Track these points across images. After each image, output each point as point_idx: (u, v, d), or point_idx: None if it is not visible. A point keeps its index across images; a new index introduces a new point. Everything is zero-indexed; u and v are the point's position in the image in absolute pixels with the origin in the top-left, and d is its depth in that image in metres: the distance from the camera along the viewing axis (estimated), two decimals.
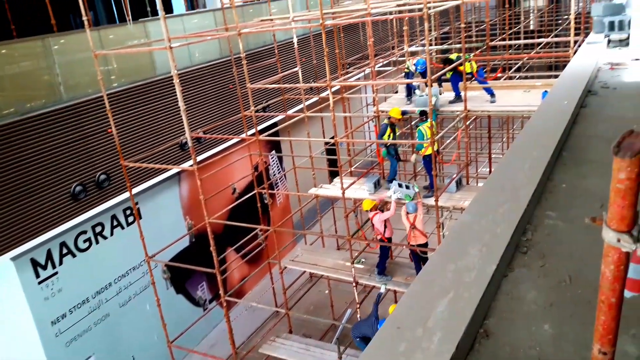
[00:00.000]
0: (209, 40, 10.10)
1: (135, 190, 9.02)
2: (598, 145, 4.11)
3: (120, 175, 8.91)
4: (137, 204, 8.82)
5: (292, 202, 13.43)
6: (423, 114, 9.10)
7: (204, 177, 7.95)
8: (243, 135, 10.02)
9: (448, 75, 9.87)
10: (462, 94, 9.43)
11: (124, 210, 9.72)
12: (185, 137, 7.24)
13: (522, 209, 3.00)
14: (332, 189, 10.26)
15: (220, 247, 10.39)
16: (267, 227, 10.73)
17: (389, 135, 9.28)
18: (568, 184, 3.49)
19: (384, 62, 15.26)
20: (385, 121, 9.39)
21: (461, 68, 9.47)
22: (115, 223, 9.60)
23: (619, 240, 1.05)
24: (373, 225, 8.98)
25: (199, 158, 9.95)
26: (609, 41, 7.79)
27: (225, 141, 10.68)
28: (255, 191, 10.48)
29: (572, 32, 9.09)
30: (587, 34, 9.93)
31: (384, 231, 8.87)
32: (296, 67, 10.09)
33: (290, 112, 11.83)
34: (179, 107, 6.83)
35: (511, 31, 17.23)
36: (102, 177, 8.88)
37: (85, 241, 9.09)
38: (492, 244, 2.73)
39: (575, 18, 11.64)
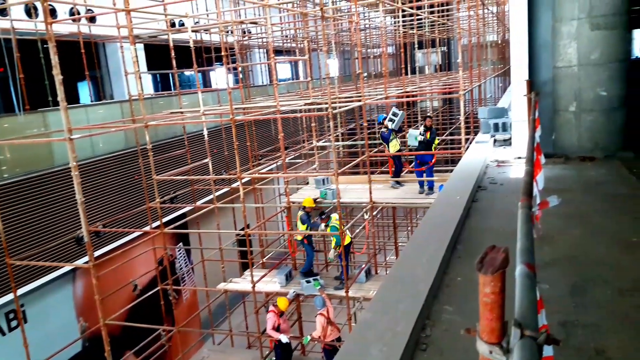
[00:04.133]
0: (115, 132, 9.88)
1: (21, 291, 8.13)
2: (489, 238, 4.37)
3: (4, 274, 8.02)
4: (22, 306, 7.91)
5: (200, 297, 12.75)
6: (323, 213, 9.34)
7: (102, 273, 7.38)
8: (147, 228, 9.57)
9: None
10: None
11: (7, 314, 8.65)
12: (82, 232, 6.77)
13: (420, 304, 3.05)
14: (242, 283, 9.93)
15: (118, 351, 9.44)
16: (170, 327, 9.99)
17: (306, 227, 9.31)
18: (463, 277, 3.63)
19: (295, 155, 15.72)
20: (300, 212, 9.40)
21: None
22: None
23: (491, 352, 1.06)
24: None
25: (98, 253, 9.30)
26: (495, 141, 8.62)
27: (128, 234, 10.13)
28: (158, 287, 9.86)
29: (463, 131, 10.01)
30: (476, 133, 10.97)
31: (278, 327, 8.66)
32: (207, 158, 10.07)
33: (199, 202, 11.60)
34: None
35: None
36: None
37: None
38: (393, 342, 2.72)
39: (466, 119, 12.91)
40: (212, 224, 10.96)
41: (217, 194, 10.38)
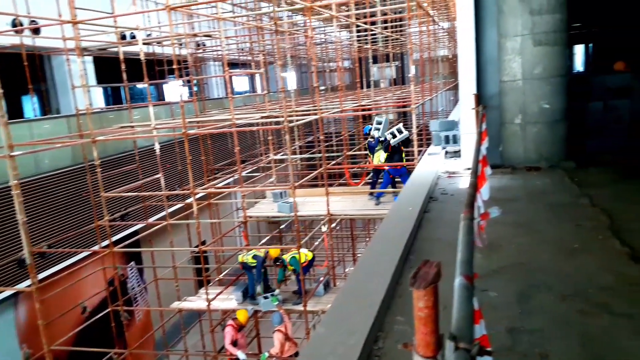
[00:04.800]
0: (60, 148, 9.50)
1: None
2: (439, 248, 4.45)
3: None
4: None
5: (154, 317, 12.35)
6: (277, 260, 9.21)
7: (47, 296, 7.03)
8: (95, 248, 9.22)
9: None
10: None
11: None
12: (25, 254, 6.44)
13: (373, 316, 3.06)
14: (197, 301, 9.69)
15: None
16: (122, 349, 9.61)
17: (256, 264, 9.11)
18: None
19: (253, 168, 15.61)
20: (262, 254, 9.19)
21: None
22: None
23: None
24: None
25: (43, 275, 8.86)
26: (446, 153, 8.84)
27: (75, 254, 9.72)
28: (109, 309, 9.48)
29: (416, 144, 10.22)
30: (429, 145, 11.21)
31: (235, 342, 8.53)
32: (159, 173, 9.84)
33: (152, 219, 11.29)
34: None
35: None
36: None
37: None
38: (346, 356, 2.71)
39: (419, 132, 13.18)
40: (166, 242, 10.67)
41: (170, 210, 10.14)
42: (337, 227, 15.68)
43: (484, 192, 3.08)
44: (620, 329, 2.91)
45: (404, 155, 10.29)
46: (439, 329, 1.07)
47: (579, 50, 21.50)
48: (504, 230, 4.61)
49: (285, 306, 9.04)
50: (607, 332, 2.89)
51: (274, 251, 9.23)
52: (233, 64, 19.13)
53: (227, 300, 9.50)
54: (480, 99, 7.24)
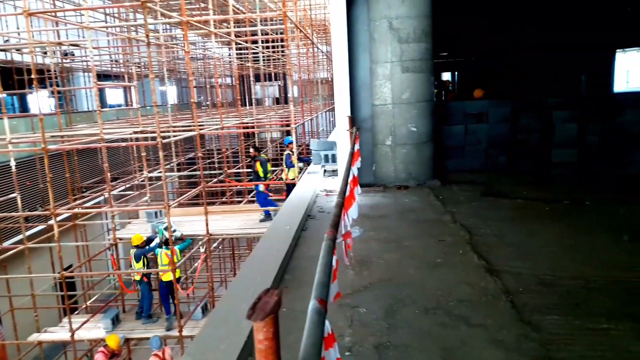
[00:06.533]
0: None
1: None
2: (314, 267, 4.50)
3: None
4: None
5: (10, 352, 10.92)
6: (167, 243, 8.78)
7: None
8: None
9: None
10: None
11: None
12: None
13: (242, 341, 2.97)
14: (59, 332, 8.77)
15: None
16: None
17: (143, 263, 8.62)
18: (289, 307, 3.64)
19: (126, 186, 14.68)
20: (132, 250, 8.65)
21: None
22: None
23: None
24: None
25: None
26: (325, 171, 9.07)
27: None
28: None
29: (296, 162, 10.35)
30: (309, 164, 11.41)
31: None
32: (15, 192, 8.82)
33: (7, 243, 10.06)
34: None
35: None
36: None
37: None
38: None
39: (300, 151, 13.40)
40: (24, 267, 9.55)
41: (28, 232, 9.12)
42: (219, 247, 15.28)
43: (353, 211, 3.17)
44: (476, 339, 3.13)
45: (261, 172, 10.21)
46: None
47: (446, 78, 23.57)
48: (375, 246, 4.80)
49: (159, 333, 8.52)
50: (464, 343, 3.10)
51: (136, 237, 8.67)
52: (105, 76, 17.98)
53: (95, 329, 8.72)
54: (354, 121, 7.56)
